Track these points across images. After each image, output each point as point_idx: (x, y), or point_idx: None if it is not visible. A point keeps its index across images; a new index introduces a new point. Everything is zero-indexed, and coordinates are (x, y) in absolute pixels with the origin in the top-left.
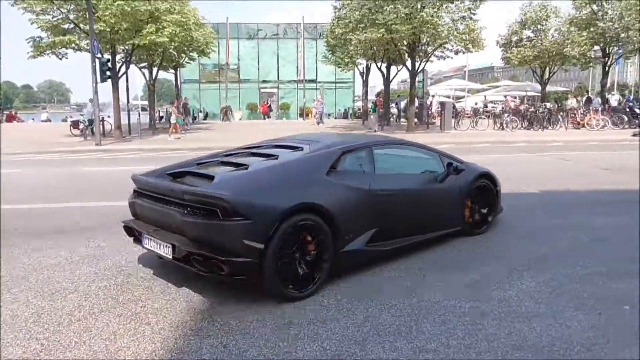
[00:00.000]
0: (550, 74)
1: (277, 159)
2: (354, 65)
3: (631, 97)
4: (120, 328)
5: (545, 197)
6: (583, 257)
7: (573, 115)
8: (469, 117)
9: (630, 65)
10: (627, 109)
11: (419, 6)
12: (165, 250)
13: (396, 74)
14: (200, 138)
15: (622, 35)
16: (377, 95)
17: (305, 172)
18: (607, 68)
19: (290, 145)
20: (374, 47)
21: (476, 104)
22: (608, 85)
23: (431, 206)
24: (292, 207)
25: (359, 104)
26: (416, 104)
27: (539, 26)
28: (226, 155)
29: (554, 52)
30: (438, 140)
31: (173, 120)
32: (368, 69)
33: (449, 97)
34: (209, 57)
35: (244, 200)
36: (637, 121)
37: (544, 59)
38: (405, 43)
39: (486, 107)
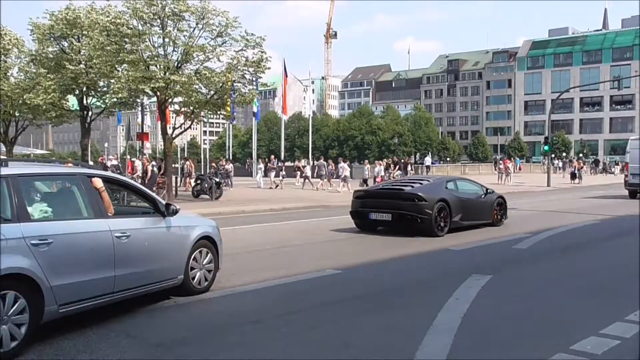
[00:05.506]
0: (19, 130)
1: (423, 183)
2: None
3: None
4: None
5: None
6: None
7: None
8: None
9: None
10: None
11: None
12: (386, 217)
13: None
14: None
15: (101, 83)
16: None
17: (438, 187)
18: (87, 125)
19: (420, 179)
20: None
21: None
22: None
23: (480, 209)
24: (438, 199)
25: None
26: None
27: None
28: (398, 182)
29: (19, 100)
30: None
31: None
32: None
33: None
34: None
35: (425, 195)
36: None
37: (6, 108)
38: None
39: None
